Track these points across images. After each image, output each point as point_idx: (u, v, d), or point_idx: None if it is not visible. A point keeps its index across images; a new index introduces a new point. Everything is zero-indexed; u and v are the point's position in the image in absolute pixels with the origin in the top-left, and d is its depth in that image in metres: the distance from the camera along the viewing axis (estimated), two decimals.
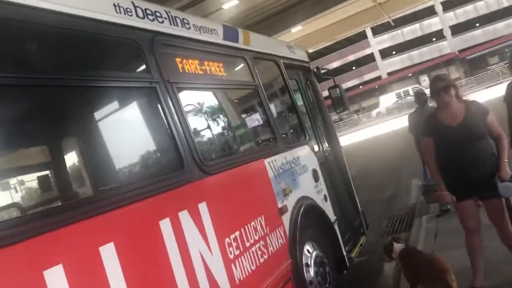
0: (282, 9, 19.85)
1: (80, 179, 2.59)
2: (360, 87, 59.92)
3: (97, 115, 2.73)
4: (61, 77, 2.37)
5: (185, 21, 3.55)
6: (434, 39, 56.02)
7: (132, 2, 2.95)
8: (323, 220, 4.75)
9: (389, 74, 58.19)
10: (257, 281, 3.34)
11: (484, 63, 49.83)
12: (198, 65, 3.53)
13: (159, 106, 2.90)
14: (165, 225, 2.57)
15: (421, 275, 3.76)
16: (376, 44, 59.25)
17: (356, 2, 22.47)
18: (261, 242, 3.51)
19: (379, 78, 59.22)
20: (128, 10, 2.88)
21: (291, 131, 5.32)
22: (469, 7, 53.48)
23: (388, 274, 5.56)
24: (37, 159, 2.54)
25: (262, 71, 4.52)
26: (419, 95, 7.35)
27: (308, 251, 4.25)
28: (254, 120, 4.60)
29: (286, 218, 3.99)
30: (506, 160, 3.74)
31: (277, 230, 3.80)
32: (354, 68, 61.14)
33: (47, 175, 2.55)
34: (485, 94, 22.46)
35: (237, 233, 3.24)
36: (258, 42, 4.70)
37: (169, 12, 3.38)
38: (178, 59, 3.34)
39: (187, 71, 3.39)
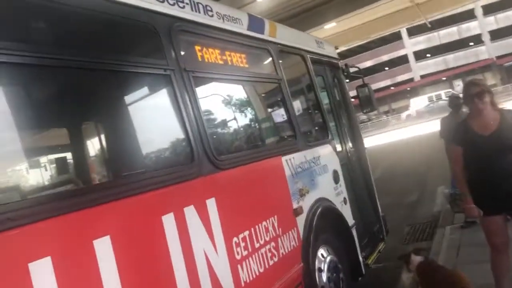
0: (316, 4, 19.48)
1: (84, 166, 2.48)
2: (392, 88, 58.88)
3: (105, 100, 2.61)
4: (69, 58, 2.24)
5: (208, 8, 3.40)
6: (471, 44, 54.44)
7: None
8: (340, 224, 4.56)
9: (422, 76, 56.98)
10: (265, 284, 3.19)
11: None
12: (218, 55, 3.38)
13: (172, 94, 2.77)
14: (168, 220, 2.44)
15: None
16: (411, 45, 58.04)
17: (392, 1, 21.90)
18: (272, 243, 3.35)
19: (411, 80, 58.08)
20: None
21: (313, 129, 5.12)
22: (511, 13, 51.62)
23: (405, 284, 5.33)
24: (41, 146, 2.43)
25: (286, 65, 4.35)
26: (453, 99, 7.05)
27: (322, 255, 4.07)
28: (274, 115, 4.42)
29: (300, 220, 3.82)
30: None
31: (290, 232, 3.63)
32: (386, 68, 60.10)
33: (52, 161, 2.44)
34: None
35: (246, 233, 3.08)
36: (284, 35, 4.52)
37: None
38: (197, 47, 3.20)
39: (206, 60, 3.24)
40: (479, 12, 52.19)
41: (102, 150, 2.54)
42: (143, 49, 2.87)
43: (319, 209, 4.07)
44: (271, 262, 3.29)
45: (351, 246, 4.68)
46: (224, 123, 3.60)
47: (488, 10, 51.69)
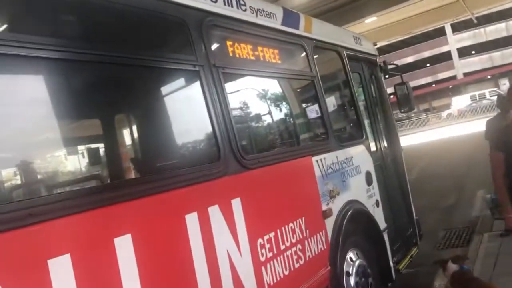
0: None
1: (108, 163, 2.45)
2: (433, 85, 57.24)
3: (130, 97, 2.58)
4: (96, 52, 2.21)
5: (241, 2, 3.32)
6: None
7: None
8: (371, 227, 4.43)
9: (465, 74, 55.10)
10: (290, 287, 3.11)
11: None
12: (249, 50, 3.30)
13: (200, 91, 2.71)
14: (192, 219, 2.39)
15: None
16: (454, 41, 56.17)
17: None
18: (298, 245, 3.27)
19: (454, 77, 56.27)
20: None
21: (347, 128, 4.99)
22: None
23: None
24: (64, 143, 2.41)
25: (321, 61, 4.22)
26: (502, 99, 6.65)
27: (350, 259, 3.96)
28: (306, 113, 4.31)
29: (329, 222, 3.71)
30: None
31: (318, 235, 3.53)
32: (428, 65, 58.46)
33: (73, 158, 2.43)
34: None
35: (271, 234, 3.01)
36: (320, 30, 4.38)
37: None
38: (228, 43, 3.13)
39: (236, 55, 3.17)
40: None
41: (126, 147, 2.52)
42: (172, 44, 2.82)
43: (350, 212, 3.96)
44: (296, 265, 3.21)
45: (382, 251, 4.54)
46: (253, 121, 3.53)
47: None
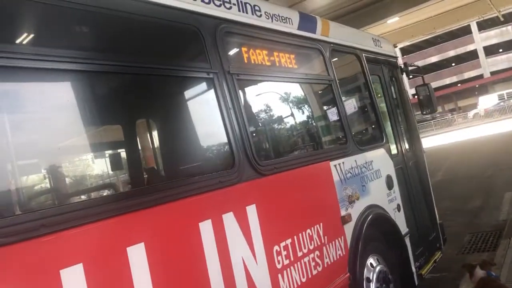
0: None
1: (120, 172, 2.47)
2: (459, 85, 56.08)
3: (143, 106, 2.60)
4: (111, 62, 2.24)
5: (256, 8, 3.31)
6: None
7: None
8: (392, 232, 4.35)
9: (492, 73, 53.80)
10: None
11: None
12: (265, 56, 3.29)
13: (214, 98, 2.71)
14: (206, 227, 2.39)
15: None
16: (481, 40, 54.94)
17: None
18: (316, 252, 3.23)
19: (480, 77, 55.02)
20: None
21: (366, 131, 4.92)
22: None
23: None
24: (76, 154, 2.44)
25: (339, 64, 4.18)
26: None
27: (371, 264, 3.89)
28: (323, 118, 4.26)
29: (348, 228, 3.66)
30: None
31: (336, 241, 3.49)
32: (453, 64, 57.33)
33: (87, 169, 2.45)
34: None
35: (288, 241, 2.98)
36: (338, 33, 4.34)
37: None
38: (243, 49, 3.13)
39: (251, 62, 3.16)
40: None
41: (139, 156, 2.54)
42: (186, 52, 2.83)
43: (370, 217, 3.89)
44: (314, 272, 3.17)
45: (404, 256, 4.46)
46: (268, 127, 3.51)
47: None
